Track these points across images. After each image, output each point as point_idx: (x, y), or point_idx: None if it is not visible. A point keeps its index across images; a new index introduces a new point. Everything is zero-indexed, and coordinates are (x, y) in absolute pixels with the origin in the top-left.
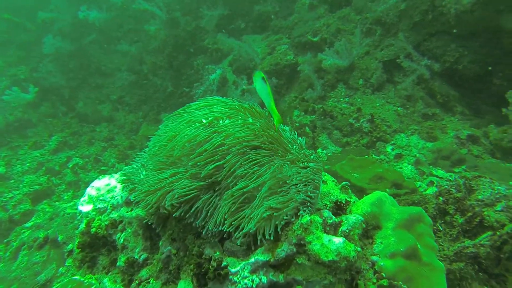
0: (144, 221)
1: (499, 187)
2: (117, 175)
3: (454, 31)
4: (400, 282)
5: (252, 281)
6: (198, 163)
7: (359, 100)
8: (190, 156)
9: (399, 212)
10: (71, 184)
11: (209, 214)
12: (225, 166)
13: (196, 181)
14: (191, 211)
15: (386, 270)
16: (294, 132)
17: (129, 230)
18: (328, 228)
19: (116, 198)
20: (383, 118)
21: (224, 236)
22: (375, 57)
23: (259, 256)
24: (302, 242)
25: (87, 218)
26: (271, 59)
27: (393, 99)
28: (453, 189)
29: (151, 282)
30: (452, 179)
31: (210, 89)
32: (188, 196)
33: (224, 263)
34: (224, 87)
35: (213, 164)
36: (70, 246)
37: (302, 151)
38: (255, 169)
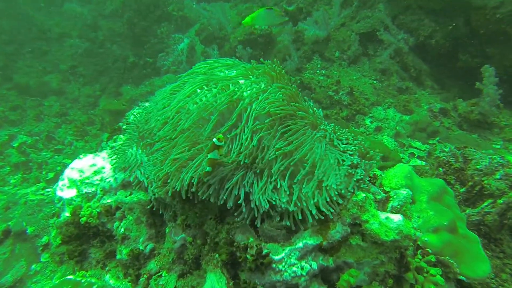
0: (148, 206)
1: (495, 156)
2: (103, 153)
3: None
4: (447, 257)
5: (302, 268)
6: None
7: (335, 72)
8: (207, 127)
9: (428, 184)
10: (18, 165)
11: (245, 191)
12: (258, 139)
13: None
14: (226, 188)
15: (431, 245)
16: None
17: (131, 218)
18: (376, 205)
19: (107, 180)
20: (361, 91)
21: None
22: (351, 29)
23: (307, 240)
24: (357, 222)
25: (72, 206)
26: (244, 29)
27: (369, 72)
28: (452, 159)
29: (163, 275)
30: (447, 150)
31: (179, 59)
32: (221, 174)
33: (265, 251)
34: (192, 58)
35: (245, 136)
36: (45, 239)
37: (331, 126)
38: (299, 140)
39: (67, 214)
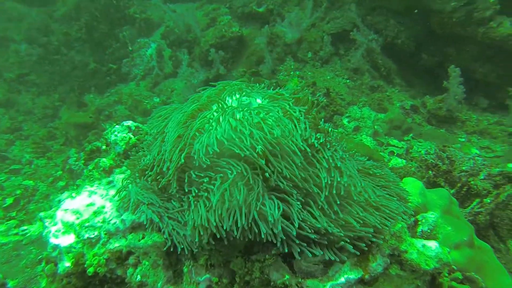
0: (165, 248)
1: (478, 158)
2: (100, 190)
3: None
4: (473, 273)
5: None
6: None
7: (309, 73)
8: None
9: (438, 198)
10: None
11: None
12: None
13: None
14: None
15: (456, 262)
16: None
17: (147, 263)
18: (408, 231)
19: (111, 222)
20: (337, 92)
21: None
22: (322, 29)
23: (349, 274)
24: (396, 252)
25: (72, 254)
26: (215, 32)
27: (341, 71)
28: (440, 162)
29: None
30: (432, 152)
31: (150, 66)
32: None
33: None
34: (162, 63)
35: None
36: None
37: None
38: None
39: (67, 264)
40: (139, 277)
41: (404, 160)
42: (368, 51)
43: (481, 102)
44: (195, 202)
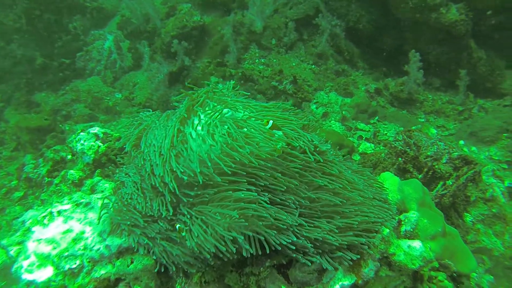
0: (156, 269)
1: (440, 143)
2: (77, 214)
3: None
4: (447, 260)
5: None
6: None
7: (275, 60)
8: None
9: (413, 191)
10: None
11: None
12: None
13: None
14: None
15: (433, 252)
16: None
17: None
18: (394, 233)
19: (94, 248)
20: (304, 78)
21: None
22: (285, 15)
23: (343, 281)
24: (385, 255)
25: None
26: (176, 22)
27: (306, 57)
28: (408, 148)
29: None
30: (400, 139)
31: (111, 59)
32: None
33: None
34: (120, 56)
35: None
36: None
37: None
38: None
39: None
40: None
41: (373, 144)
42: (332, 36)
43: (434, 82)
44: (193, 223)
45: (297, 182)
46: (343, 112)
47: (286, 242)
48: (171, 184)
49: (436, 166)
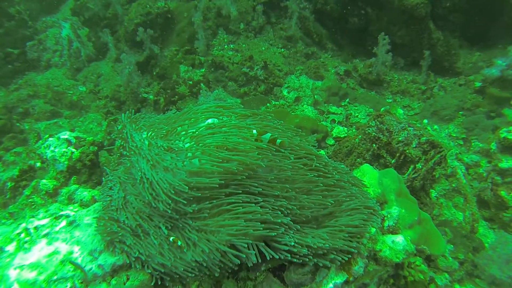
0: (152, 283)
1: (410, 128)
2: (62, 234)
3: None
4: (422, 246)
5: None
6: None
7: (244, 45)
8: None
9: (391, 182)
10: None
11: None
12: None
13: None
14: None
15: (411, 240)
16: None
17: None
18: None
19: (86, 268)
20: (274, 63)
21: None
22: None
23: (335, 279)
24: (373, 253)
25: None
26: (139, 8)
27: (275, 40)
28: (381, 135)
29: None
30: (373, 125)
31: (74, 49)
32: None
33: None
34: (83, 44)
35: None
36: None
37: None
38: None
39: None
40: None
41: (345, 128)
42: (301, 18)
43: (399, 61)
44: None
45: (289, 186)
46: (315, 96)
47: (285, 248)
48: (167, 200)
49: (407, 151)
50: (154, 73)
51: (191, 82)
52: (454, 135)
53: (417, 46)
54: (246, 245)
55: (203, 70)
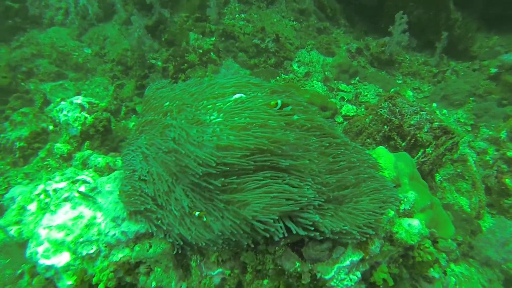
0: (174, 252)
1: (422, 112)
2: (83, 200)
3: None
4: (433, 229)
5: (351, 279)
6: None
7: (255, 16)
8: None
9: (405, 166)
10: None
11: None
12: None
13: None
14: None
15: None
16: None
17: (159, 269)
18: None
19: (109, 234)
20: (286, 36)
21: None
22: None
23: (352, 257)
24: (389, 234)
25: (71, 272)
26: None
27: (287, 12)
28: (393, 117)
29: None
30: (385, 106)
31: (80, 7)
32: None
33: (318, 275)
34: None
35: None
36: None
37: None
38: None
39: (69, 282)
40: (154, 283)
41: (355, 106)
42: None
43: (411, 42)
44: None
45: (314, 166)
46: (326, 73)
47: (309, 223)
48: (197, 171)
49: (418, 135)
50: (163, 39)
51: (201, 51)
52: (463, 120)
53: (433, 26)
54: (272, 220)
55: (213, 39)
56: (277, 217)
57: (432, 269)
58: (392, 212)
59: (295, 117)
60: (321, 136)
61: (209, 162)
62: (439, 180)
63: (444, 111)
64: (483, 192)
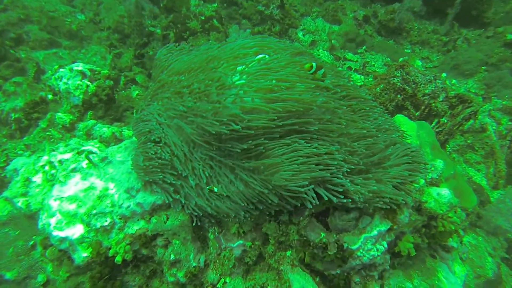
0: (194, 224)
1: (438, 81)
2: (94, 170)
3: None
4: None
5: (377, 250)
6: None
7: None
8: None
9: (426, 134)
10: None
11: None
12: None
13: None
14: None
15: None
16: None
17: (177, 242)
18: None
19: (123, 205)
20: (291, 3)
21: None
22: None
23: (380, 227)
24: (418, 203)
25: (86, 243)
26: None
27: None
28: (406, 86)
29: (227, 282)
30: (399, 75)
31: None
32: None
33: (345, 245)
34: None
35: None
36: (41, 278)
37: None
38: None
39: (84, 254)
40: (172, 256)
41: (362, 76)
42: None
43: (420, 8)
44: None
45: (343, 130)
46: (332, 42)
47: (340, 189)
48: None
49: (433, 104)
50: (162, 5)
51: (203, 18)
52: (473, 91)
53: None
54: (302, 188)
55: (216, 5)
56: (307, 184)
57: (451, 239)
58: (423, 181)
59: (327, 80)
60: (349, 100)
61: (233, 122)
62: (448, 151)
63: (454, 81)
64: (503, 162)
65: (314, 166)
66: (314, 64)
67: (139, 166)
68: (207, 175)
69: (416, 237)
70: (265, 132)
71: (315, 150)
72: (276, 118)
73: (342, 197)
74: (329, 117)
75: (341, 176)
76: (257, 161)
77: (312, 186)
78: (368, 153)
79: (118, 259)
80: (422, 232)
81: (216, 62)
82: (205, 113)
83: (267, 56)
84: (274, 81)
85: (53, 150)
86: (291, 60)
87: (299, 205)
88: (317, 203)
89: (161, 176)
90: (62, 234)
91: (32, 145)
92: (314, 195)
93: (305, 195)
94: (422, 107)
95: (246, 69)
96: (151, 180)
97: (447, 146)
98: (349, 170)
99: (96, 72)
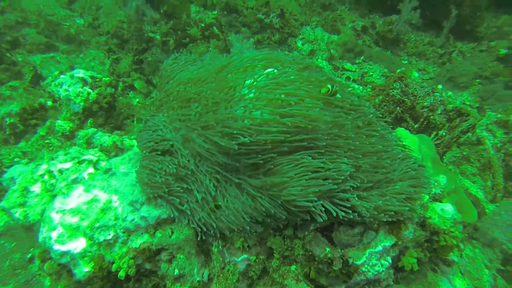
0: (199, 238)
1: (436, 94)
2: (98, 182)
3: None
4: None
5: (382, 265)
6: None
7: None
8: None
9: (427, 148)
10: None
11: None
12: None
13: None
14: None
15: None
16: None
17: (182, 256)
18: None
19: (127, 219)
20: (291, 12)
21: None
22: None
23: (385, 242)
24: (422, 219)
25: (88, 258)
26: None
27: None
28: (405, 98)
29: None
30: (397, 87)
31: None
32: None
33: (350, 261)
34: None
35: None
36: None
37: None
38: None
39: (86, 269)
40: (176, 271)
41: (361, 86)
42: None
43: (417, 21)
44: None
45: (351, 145)
46: (331, 51)
47: (347, 204)
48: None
49: (432, 117)
50: (162, 11)
51: (203, 25)
52: (468, 103)
53: (440, 5)
54: (311, 203)
55: (216, 12)
56: (316, 199)
57: (451, 253)
58: (427, 197)
59: (338, 95)
60: (356, 116)
61: (243, 135)
62: (444, 162)
63: (450, 93)
64: (501, 176)
65: (322, 181)
66: (329, 86)
67: (143, 180)
68: (213, 188)
69: (419, 252)
70: (273, 147)
71: (322, 165)
72: (286, 132)
73: (350, 212)
74: (337, 131)
75: (349, 188)
76: (266, 178)
77: (321, 201)
78: (374, 169)
79: (122, 274)
80: (424, 246)
81: (225, 73)
82: (213, 125)
83: (275, 70)
84: (283, 96)
85: (52, 159)
86: (299, 75)
87: (309, 218)
88: (326, 218)
89: (166, 190)
90: (63, 248)
91: (29, 153)
92: (323, 209)
93: (314, 209)
94: (421, 120)
95: (255, 83)
96: (156, 195)
97: (444, 157)
98: (355, 186)
99: (97, 79)
